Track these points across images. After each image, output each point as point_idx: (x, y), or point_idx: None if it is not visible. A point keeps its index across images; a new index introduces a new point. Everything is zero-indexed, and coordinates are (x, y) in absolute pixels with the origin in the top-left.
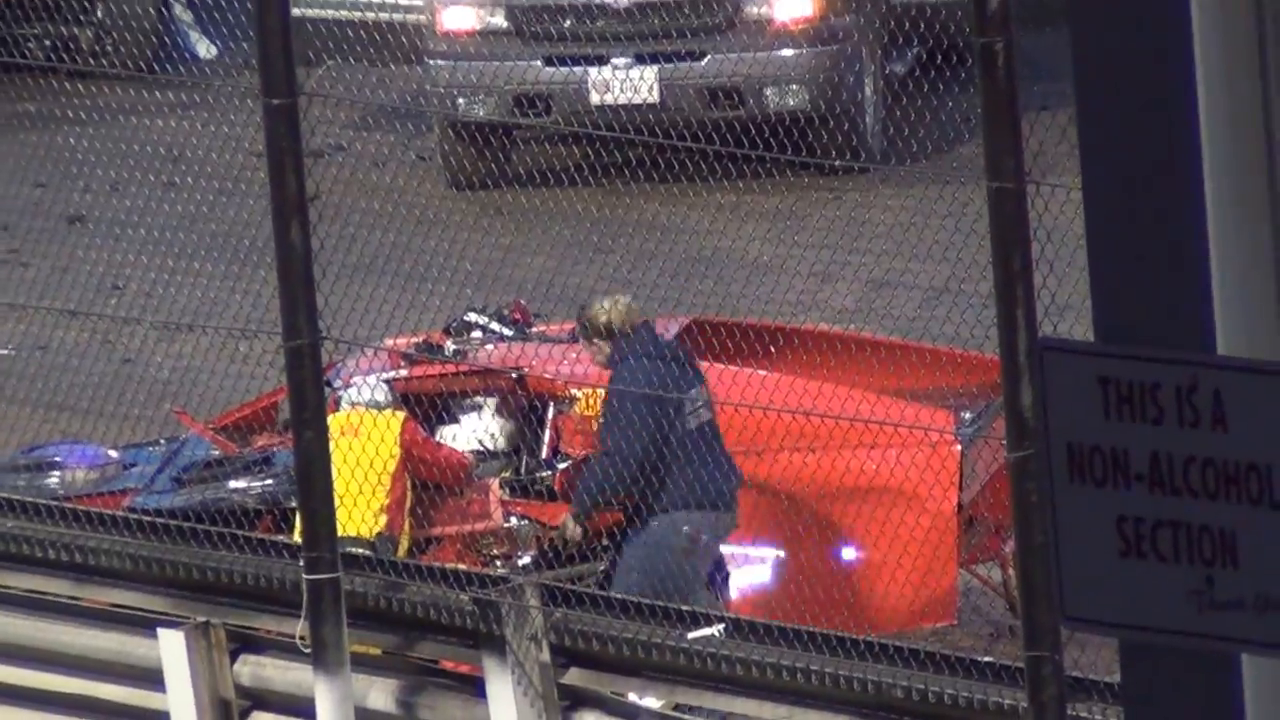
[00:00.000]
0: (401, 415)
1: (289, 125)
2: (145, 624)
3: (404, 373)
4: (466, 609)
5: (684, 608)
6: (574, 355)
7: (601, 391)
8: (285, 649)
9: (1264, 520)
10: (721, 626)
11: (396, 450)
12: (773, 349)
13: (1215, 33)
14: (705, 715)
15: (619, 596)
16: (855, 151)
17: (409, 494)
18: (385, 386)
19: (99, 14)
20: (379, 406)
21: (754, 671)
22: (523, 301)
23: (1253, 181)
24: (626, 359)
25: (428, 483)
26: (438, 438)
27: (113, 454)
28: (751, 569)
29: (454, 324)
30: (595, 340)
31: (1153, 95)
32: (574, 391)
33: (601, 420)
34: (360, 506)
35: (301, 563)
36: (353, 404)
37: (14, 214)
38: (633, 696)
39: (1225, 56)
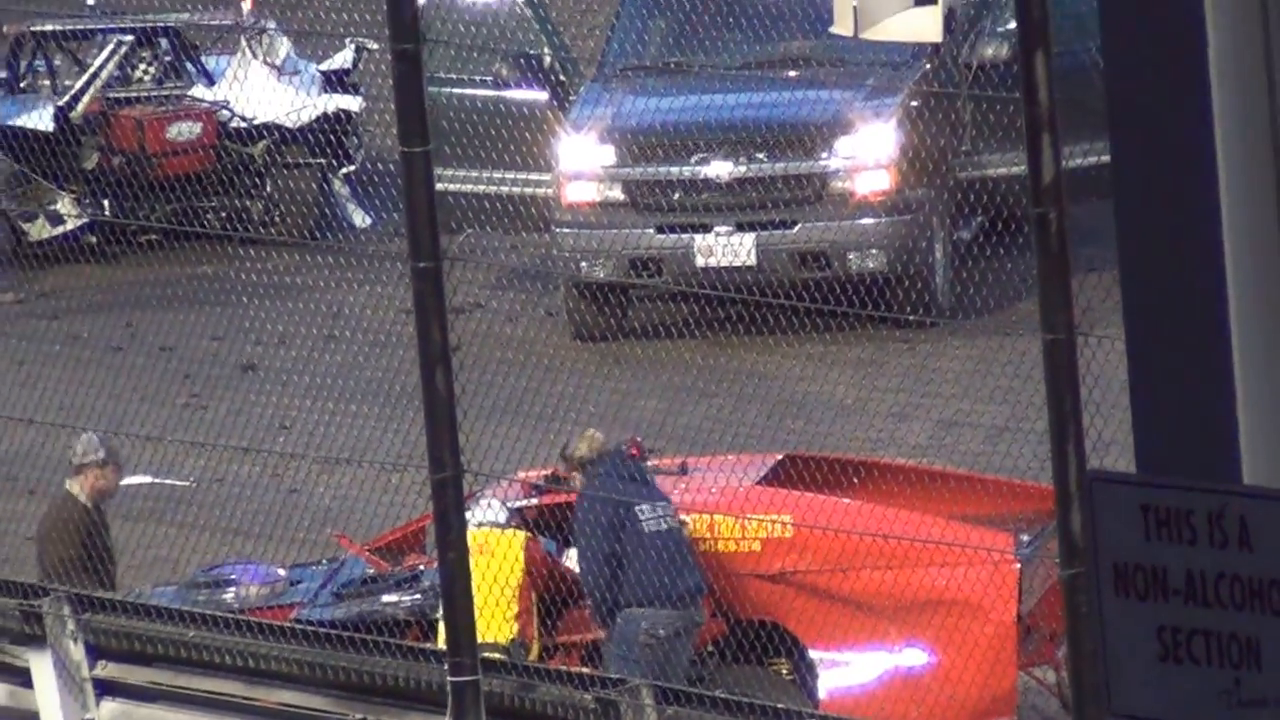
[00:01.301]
0: (522, 535)
1: (434, 285)
2: None
3: (534, 501)
4: (590, 707)
5: (779, 705)
6: (683, 485)
7: (707, 516)
8: None
9: None
10: None
11: (520, 566)
12: (856, 480)
13: (1243, 206)
14: None
15: (723, 695)
16: (927, 307)
17: (536, 605)
18: (505, 510)
19: (268, 189)
20: (500, 527)
21: None
22: (638, 439)
23: (1275, 335)
24: (590, 481)
25: (556, 595)
26: (564, 558)
27: (281, 572)
28: (837, 671)
29: None
30: (574, 472)
31: (1186, 261)
32: (683, 517)
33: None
34: (496, 616)
35: (446, 666)
36: (478, 524)
37: (194, 363)
38: None
39: (1251, 225)
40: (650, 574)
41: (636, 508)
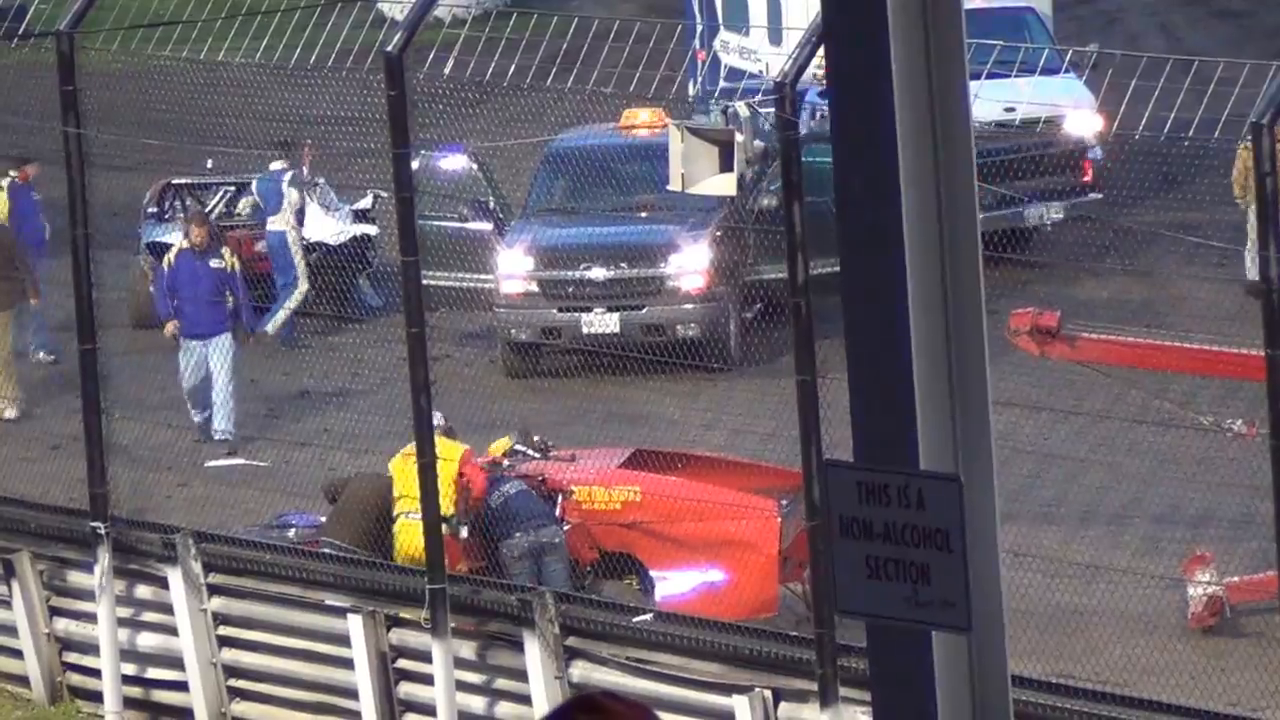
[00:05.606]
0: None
1: (420, 343)
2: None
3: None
4: (515, 604)
5: (630, 604)
6: (572, 468)
7: (588, 486)
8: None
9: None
10: (651, 615)
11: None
12: (679, 465)
13: (919, 296)
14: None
15: (596, 597)
16: (725, 360)
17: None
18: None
19: (318, 282)
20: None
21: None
22: (546, 439)
23: (939, 383)
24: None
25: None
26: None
27: (321, 519)
28: (667, 584)
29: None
30: (490, 466)
31: (882, 335)
32: (572, 487)
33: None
34: (445, 498)
35: (426, 580)
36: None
37: (272, 389)
38: None
39: (924, 305)
40: (507, 521)
41: (493, 494)
